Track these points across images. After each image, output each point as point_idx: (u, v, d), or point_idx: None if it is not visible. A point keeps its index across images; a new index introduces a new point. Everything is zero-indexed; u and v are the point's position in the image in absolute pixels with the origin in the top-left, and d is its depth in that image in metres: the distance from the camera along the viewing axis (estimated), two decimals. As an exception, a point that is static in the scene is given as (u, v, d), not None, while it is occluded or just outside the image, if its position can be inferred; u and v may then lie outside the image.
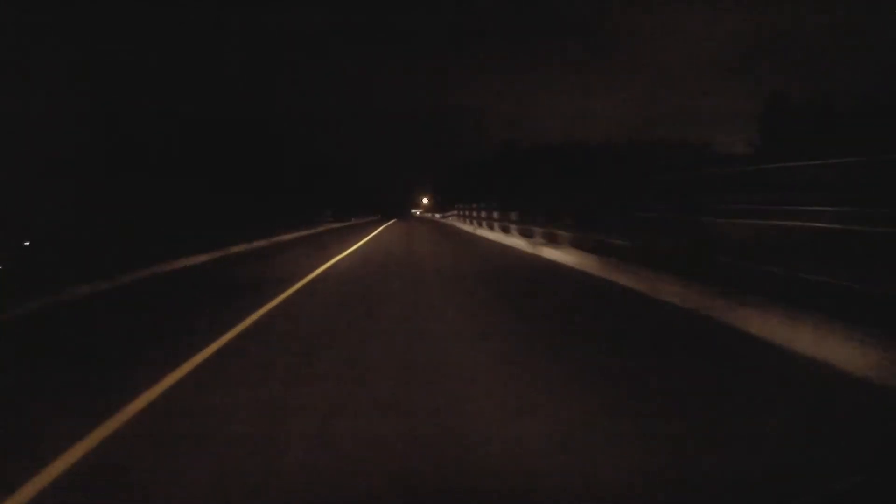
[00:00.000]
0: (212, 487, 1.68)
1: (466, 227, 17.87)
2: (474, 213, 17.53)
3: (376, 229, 21.11)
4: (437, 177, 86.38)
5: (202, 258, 9.50)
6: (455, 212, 25.79)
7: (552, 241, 8.22)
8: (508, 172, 55.26)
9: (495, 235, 12.40)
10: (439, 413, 2.17)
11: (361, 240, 13.95)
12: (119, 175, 16.62)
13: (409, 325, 3.81)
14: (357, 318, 4.15)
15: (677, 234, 4.59)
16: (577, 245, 7.07)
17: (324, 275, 7.02)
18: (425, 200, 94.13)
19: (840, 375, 2.43)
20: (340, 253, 10.09)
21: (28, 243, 12.10)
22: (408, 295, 5.12)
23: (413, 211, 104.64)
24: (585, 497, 1.55)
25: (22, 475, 1.75)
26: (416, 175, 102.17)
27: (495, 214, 13.25)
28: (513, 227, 11.05)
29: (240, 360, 3.07)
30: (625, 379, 2.55)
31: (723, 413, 2.11)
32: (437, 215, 42.84)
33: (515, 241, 10.07)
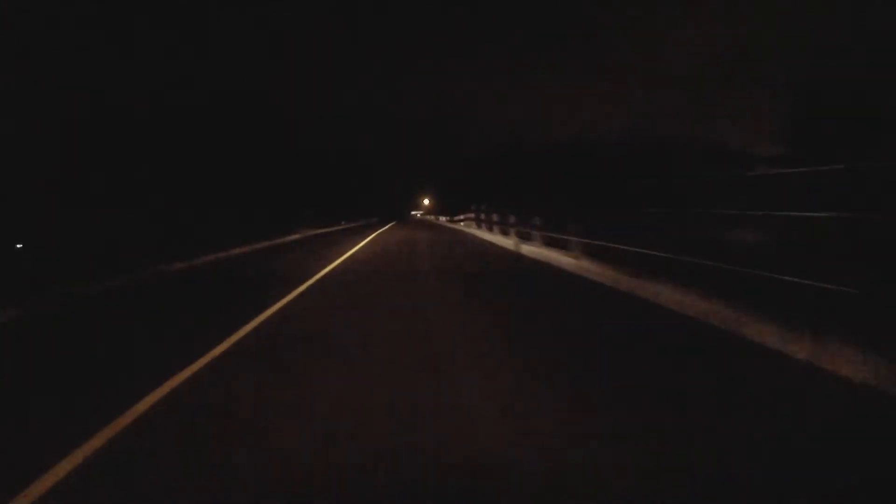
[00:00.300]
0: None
1: (500, 240, 12.08)
2: (510, 220, 11.79)
3: (363, 240, 15.34)
4: (440, 177, 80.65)
5: None
6: (471, 214, 20.03)
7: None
8: (526, 172, 49.52)
9: (571, 261, 6.70)
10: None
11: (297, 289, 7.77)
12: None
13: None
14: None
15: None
16: None
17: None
18: (426, 201, 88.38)
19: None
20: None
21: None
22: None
23: (413, 213, 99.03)
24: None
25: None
26: (415, 175, 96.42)
27: (572, 227, 7.47)
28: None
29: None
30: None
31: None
32: (443, 218, 36.73)
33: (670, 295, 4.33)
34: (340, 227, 28.18)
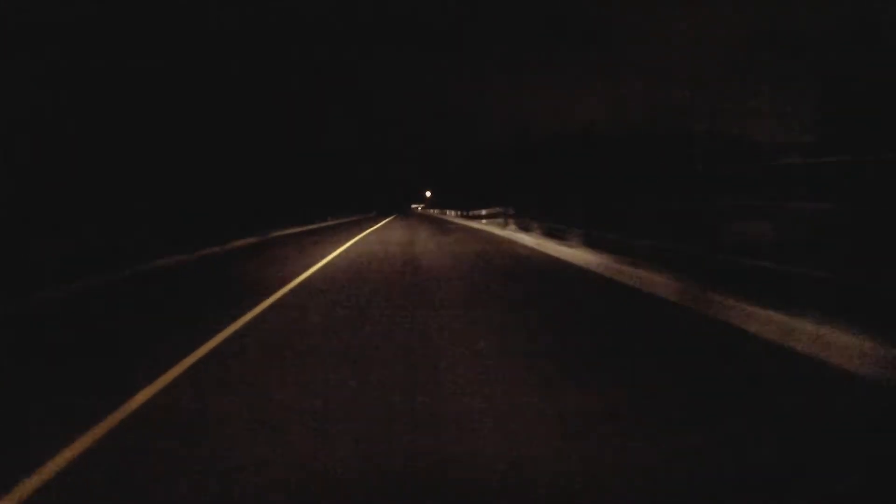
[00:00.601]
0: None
1: (595, 263, 5.63)
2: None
3: (316, 263, 9.11)
4: (442, 170, 73.86)
5: None
6: (496, 209, 13.72)
7: None
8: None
9: None
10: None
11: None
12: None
13: None
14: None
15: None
16: None
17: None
18: (428, 194, 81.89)
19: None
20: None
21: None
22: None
23: (414, 206, 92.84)
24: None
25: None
26: (416, 167, 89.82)
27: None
28: None
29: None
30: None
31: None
32: (452, 212, 30.01)
33: None
34: (321, 226, 21.82)
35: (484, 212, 16.79)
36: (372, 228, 16.74)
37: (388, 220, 28.80)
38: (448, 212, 32.91)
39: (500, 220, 13.43)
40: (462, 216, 23.62)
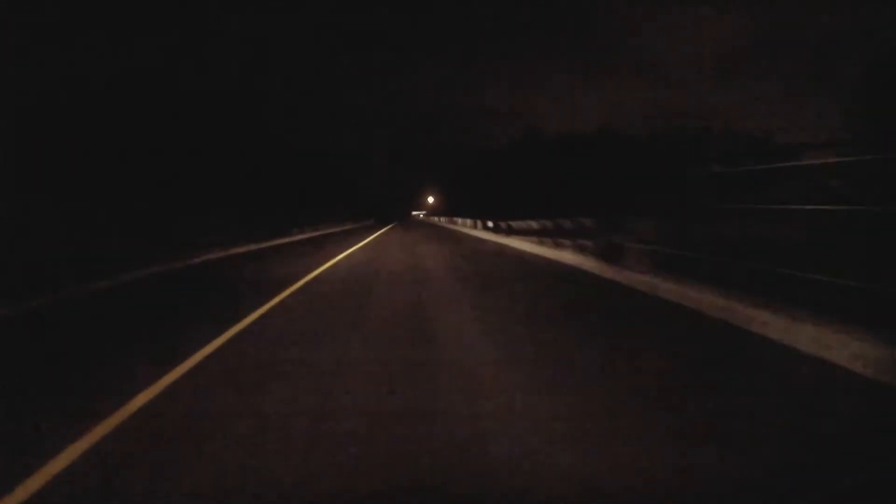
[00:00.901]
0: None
1: None
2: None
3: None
4: (446, 174, 67.57)
5: None
6: (612, 226, 7.43)
7: None
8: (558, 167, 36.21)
9: None
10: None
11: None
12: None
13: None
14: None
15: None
16: None
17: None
18: (430, 199, 75.70)
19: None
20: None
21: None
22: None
23: (415, 213, 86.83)
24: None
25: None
26: (416, 171, 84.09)
27: None
28: None
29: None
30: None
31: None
32: (468, 222, 23.23)
33: None
34: (277, 243, 15.38)
35: (535, 224, 10.38)
36: (343, 254, 10.13)
37: (381, 231, 22.46)
38: (459, 220, 26.43)
39: (578, 242, 7.11)
40: (485, 229, 17.11)
